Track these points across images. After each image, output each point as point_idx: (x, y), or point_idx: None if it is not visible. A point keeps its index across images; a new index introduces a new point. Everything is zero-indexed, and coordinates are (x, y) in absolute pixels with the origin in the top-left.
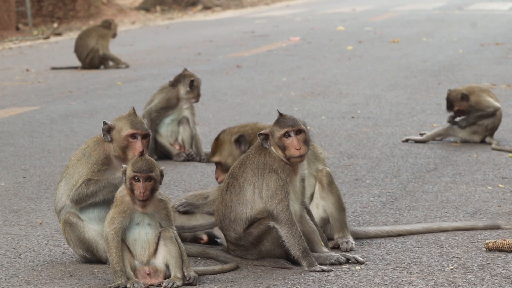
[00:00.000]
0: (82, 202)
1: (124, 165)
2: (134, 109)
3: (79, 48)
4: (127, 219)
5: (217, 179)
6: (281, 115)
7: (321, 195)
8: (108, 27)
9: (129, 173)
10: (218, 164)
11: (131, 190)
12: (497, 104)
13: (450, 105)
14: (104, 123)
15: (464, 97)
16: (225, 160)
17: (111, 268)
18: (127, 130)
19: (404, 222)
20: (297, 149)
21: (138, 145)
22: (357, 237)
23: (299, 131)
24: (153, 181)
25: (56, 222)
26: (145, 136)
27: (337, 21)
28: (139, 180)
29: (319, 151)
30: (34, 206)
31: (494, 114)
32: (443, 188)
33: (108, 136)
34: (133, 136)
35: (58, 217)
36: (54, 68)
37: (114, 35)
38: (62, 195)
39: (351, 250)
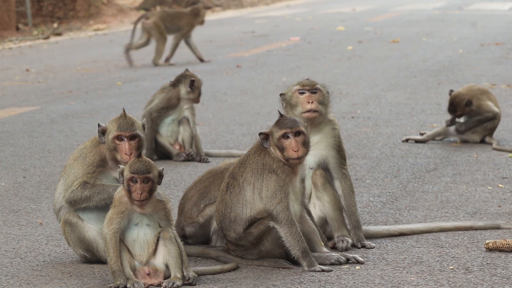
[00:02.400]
0: (76, 204)
1: (121, 166)
2: (124, 110)
3: (167, 22)
4: (126, 220)
5: None
6: (281, 115)
7: (316, 195)
8: (197, 14)
9: (127, 174)
10: None
11: (129, 191)
12: (496, 109)
13: (453, 110)
14: (99, 125)
15: (468, 103)
16: None
17: (109, 269)
18: (113, 133)
19: (404, 222)
20: (295, 151)
21: (125, 146)
22: (370, 236)
23: (298, 133)
24: (151, 182)
25: (56, 222)
26: (132, 138)
27: (337, 21)
28: (136, 182)
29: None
30: (34, 206)
31: (493, 119)
32: (443, 188)
33: (103, 138)
34: (119, 138)
35: (58, 217)
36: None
37: (202, 22)
38: (60, 195)
39: (346, 249)
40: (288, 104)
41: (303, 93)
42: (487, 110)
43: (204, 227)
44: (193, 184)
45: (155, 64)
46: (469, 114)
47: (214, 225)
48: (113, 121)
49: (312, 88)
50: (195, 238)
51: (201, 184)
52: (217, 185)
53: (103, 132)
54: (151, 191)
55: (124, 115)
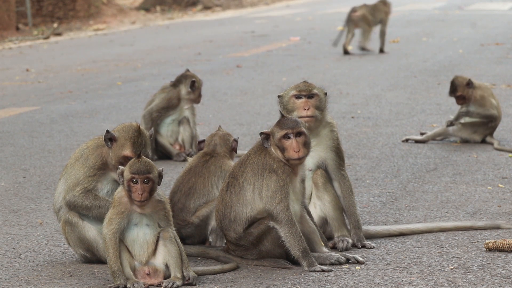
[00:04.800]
0: (75, 209)
1: (121, 167)
2: (139, 126)
3: (363, 17)
4: (125, 220)
5: None
6: (282, 116)
7: (317, 195)
8: (385, 3)
9: (127, 174)
10: None
11: (129, 192)
12: (495, 112)
13: (453, 90)
14: (107, 131)
15: (470, 83)
16: None
17: (109, 269)
18: (125, 151)
19: (404, 222)
20: (296, 152)
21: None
22: (370, 236)
23: (299, 134)
24: (151, 183)
25: (56, 222)
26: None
27: (337, 21)
28: (137, 182)
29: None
30: (34, 206)
31: (489, 116)
32: (443, 188)
33: (109, 144)
34: (129, 159)
35: (57, 216)
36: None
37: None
38: (60, 195)
39: (346, 249)
40: (285, 108)
41: (299, 98)
42: (490, 106)
43: (200, 227)
44: (175, 188)
45: (363, 48)
46: (469, 100)
47: (211, 225)
48: (126, 134)
49: (308, 93)
50: (192, 239)
51: (185, 186)
52: (201, 182)
53: (110, 139)
54: (152, 191)
55: (138, 130)
